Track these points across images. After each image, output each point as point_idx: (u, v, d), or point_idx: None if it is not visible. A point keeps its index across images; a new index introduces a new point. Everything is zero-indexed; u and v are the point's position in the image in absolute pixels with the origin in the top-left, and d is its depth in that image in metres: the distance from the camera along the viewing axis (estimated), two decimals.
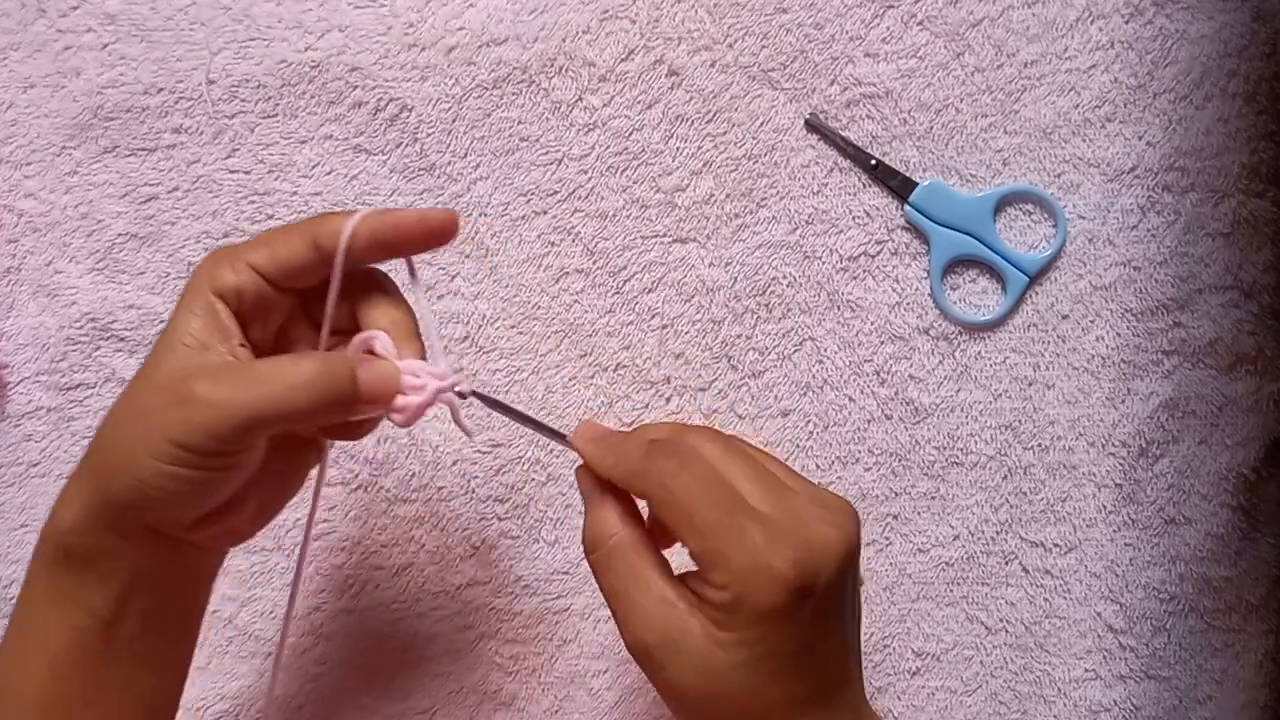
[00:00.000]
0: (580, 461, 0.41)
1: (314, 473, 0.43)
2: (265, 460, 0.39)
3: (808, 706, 0.37)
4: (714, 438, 0.39)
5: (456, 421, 0.41)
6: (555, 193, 0.57)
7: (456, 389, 0.41)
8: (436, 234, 0.40)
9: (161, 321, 0.57)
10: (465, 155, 0.57)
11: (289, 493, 0.43)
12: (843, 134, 0.57)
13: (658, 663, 0.37)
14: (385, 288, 0.42)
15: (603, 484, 0.40)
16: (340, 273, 0.39)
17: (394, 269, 0.42)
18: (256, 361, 0.39)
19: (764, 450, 0.41)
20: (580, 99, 0.57)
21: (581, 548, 0.40)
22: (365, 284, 0.41)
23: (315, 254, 0.39)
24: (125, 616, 0.38)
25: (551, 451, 0.56)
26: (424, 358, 0.41)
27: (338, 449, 0.56)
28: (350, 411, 0.38)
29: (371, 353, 0.40)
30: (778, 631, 0.36)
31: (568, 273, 0.57)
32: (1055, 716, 0.56)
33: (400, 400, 0.39)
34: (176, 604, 0.41)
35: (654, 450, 0.38)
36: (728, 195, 0.57)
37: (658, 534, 0.40)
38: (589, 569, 0.40)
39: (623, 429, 0.44)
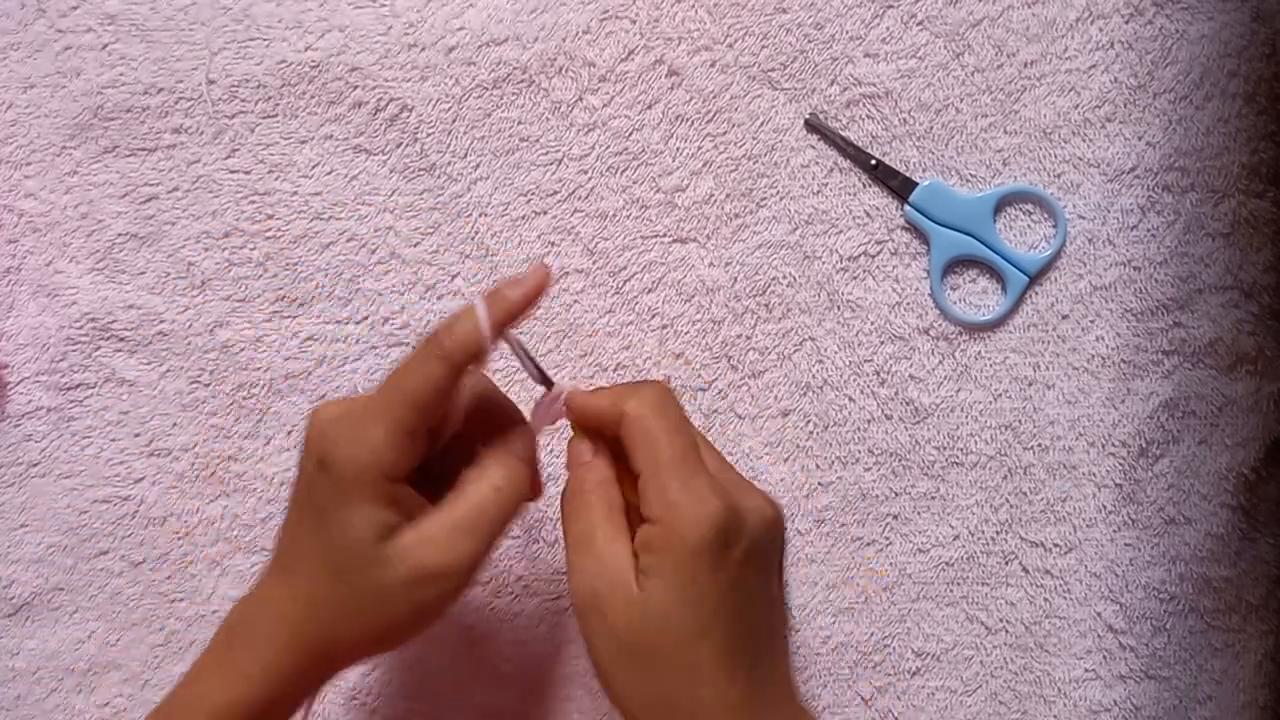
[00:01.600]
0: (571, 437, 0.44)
1: None
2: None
3: (734, 668, 0.39)
4: (656, 398, 0.42)
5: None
6: (555, 193, 0.57)
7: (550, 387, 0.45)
8: (539, 294, 0.42)
9: (163, 321, 0.57)
10: (465, 155, 0.57)
11: None
12: (843, 134, 0.57)
13: (599, 610, 0.39)
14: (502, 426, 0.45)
15: (595, 451, 0.43)
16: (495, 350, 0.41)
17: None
18: (457, 508, 0.41)
19: None
20: (580, 99, 0.57)
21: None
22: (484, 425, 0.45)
23: (454, 373, 0.40)
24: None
25: (551, 451, 0.56)
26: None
27: None
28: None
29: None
30: (703, 576, 0.38)
31: (568, 273, 0.57)
32: (1055, 716, 0.56)
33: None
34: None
35: (637, 384, 0.43)
36: (728, 195, 0.57)
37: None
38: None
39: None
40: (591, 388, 0.45)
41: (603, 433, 0.43)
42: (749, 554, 0.40)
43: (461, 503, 0.41)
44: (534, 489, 0.45)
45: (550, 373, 0.45)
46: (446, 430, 0.44)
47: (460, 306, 0.41)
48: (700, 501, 0.39)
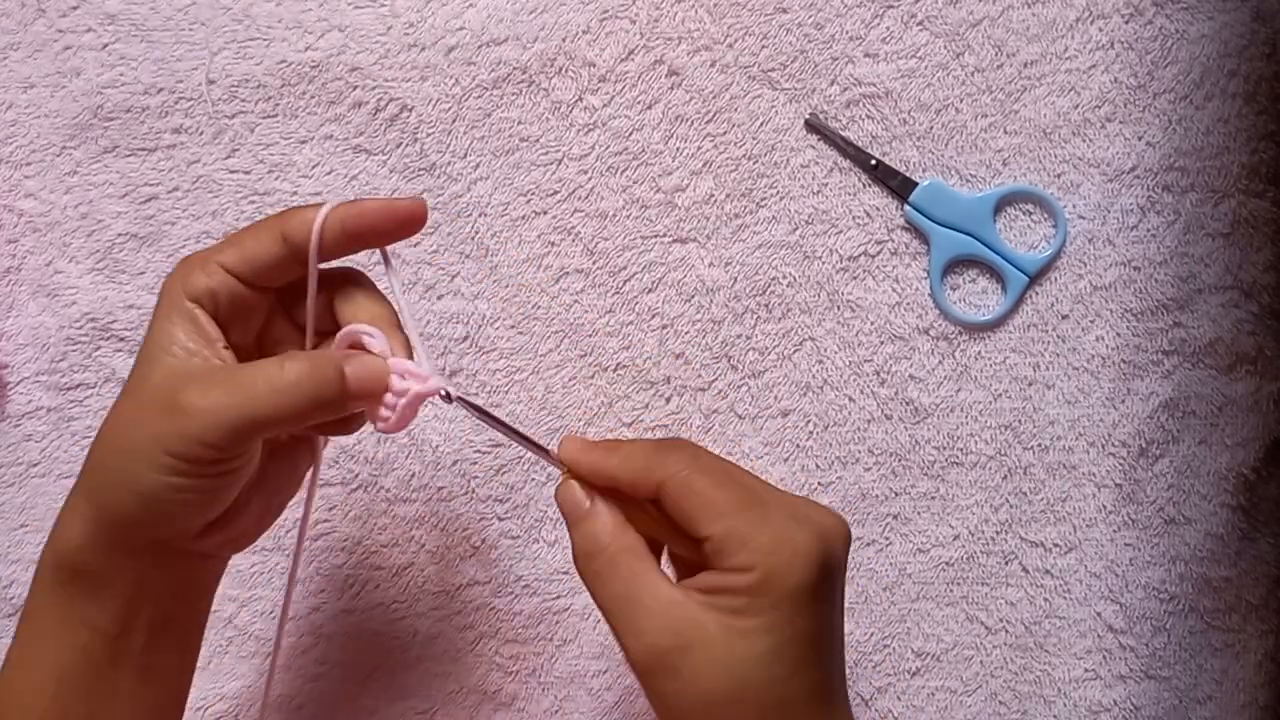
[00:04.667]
0: (559, 481, 0.40)
1: (310, 472, 0.43)
2: (263, 463, 0.39)
3: (824, 699, 0.37)
4: (692, 458, 0.39)
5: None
6: (555, 193, 0.57)
7: (442, 391, 0.39)
8: (405, 222, 0.40)
9: None
10: (465, 155, 0.57)
11: (290, 492, 0.43)
12: (843, 134, 0.57)
13: (673, 668, 0.35)
14: (362, 283, 0.41)
15: (591, 495, 0.39)
16: (315, 266, 0.39)
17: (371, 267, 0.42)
18: (242, 366, 0.38)
19: None
20: (580, 99, 0.57)
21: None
22: (343, 281, 0.41)
23: (285, 249, 0.39)
24: (131, 631, 0.38)
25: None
26: (410, 354, 0.40)
27: (339, 449, 0.56)
28: (340, 409, 0.38)
29: (358, 347, 0.40)
30: (804, 612, 0.35)
31: (568, 273, 0.57)
32: (1055, 716, 0.56)
33: (383, 410, 0.39)
34: (182, 615, 0.41)
35: (664, 446, 0.38)
36: (728, 195, 0.57)
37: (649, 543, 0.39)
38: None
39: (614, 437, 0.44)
40: (585, 445, 0.40)
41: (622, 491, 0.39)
42: (838, 580, 0.37)
43: (249, 368, 0.37)
44: (340, 424, 0.41)
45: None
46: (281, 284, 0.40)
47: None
48: (795, 538, 0.36)
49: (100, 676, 0.38)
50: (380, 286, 0.42)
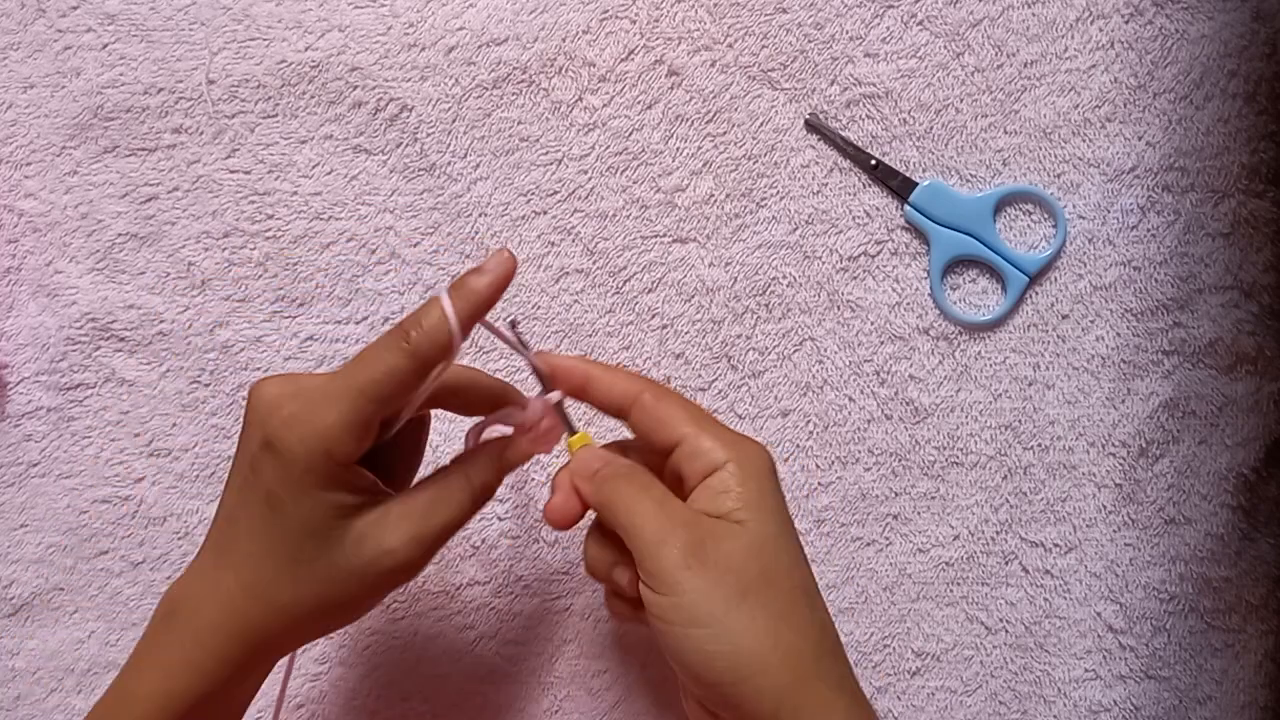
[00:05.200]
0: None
1: None
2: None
3: (817, 592, 0.41)
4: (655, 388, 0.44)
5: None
6: (555, 193, 0.57)
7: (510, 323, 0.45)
8: (507, 282, 0.40)
9: (163, 321, 0.57)
10: (465, 155, 0.57)
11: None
12: (843, 134, 0.57)
13: (707, 559, 0.38)
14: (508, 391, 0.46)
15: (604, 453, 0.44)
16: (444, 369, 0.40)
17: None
18: (415, 503, 0.41)
19: None
20: (580, 99, 0.57)
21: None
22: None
23: (417, 367, 0.39)
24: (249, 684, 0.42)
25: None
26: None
27: None
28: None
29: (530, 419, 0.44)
30: (780, 499, 0.41)
31: (568, 273, 0.57)
32: (1055, 716, 0.56)
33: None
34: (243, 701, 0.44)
35: (648, 386, 0.43)
36: (728, 195, 0.57)
37: None
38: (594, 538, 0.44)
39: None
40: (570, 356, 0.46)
41: (598, 405, 0.44)
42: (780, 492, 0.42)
43: (432, 492, 0.41)
44: (539, 442, 0.45)
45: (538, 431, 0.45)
46: (402, 418, 0.42)
47: (427, 299, 0.40)
48: (747, 439, 0.41)
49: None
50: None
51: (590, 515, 0.44)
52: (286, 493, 0.38)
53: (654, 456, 0.43)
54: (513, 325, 0.45)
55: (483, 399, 0.46)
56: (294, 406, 0.38)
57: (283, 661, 0.44)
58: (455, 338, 0.38)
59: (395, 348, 0.38)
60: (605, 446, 0.45)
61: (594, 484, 0.42)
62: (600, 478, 0.42)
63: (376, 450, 0.41)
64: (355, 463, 0.39)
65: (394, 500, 0.40)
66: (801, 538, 0.56)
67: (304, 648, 0.56)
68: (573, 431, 0.45)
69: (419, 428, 0.46)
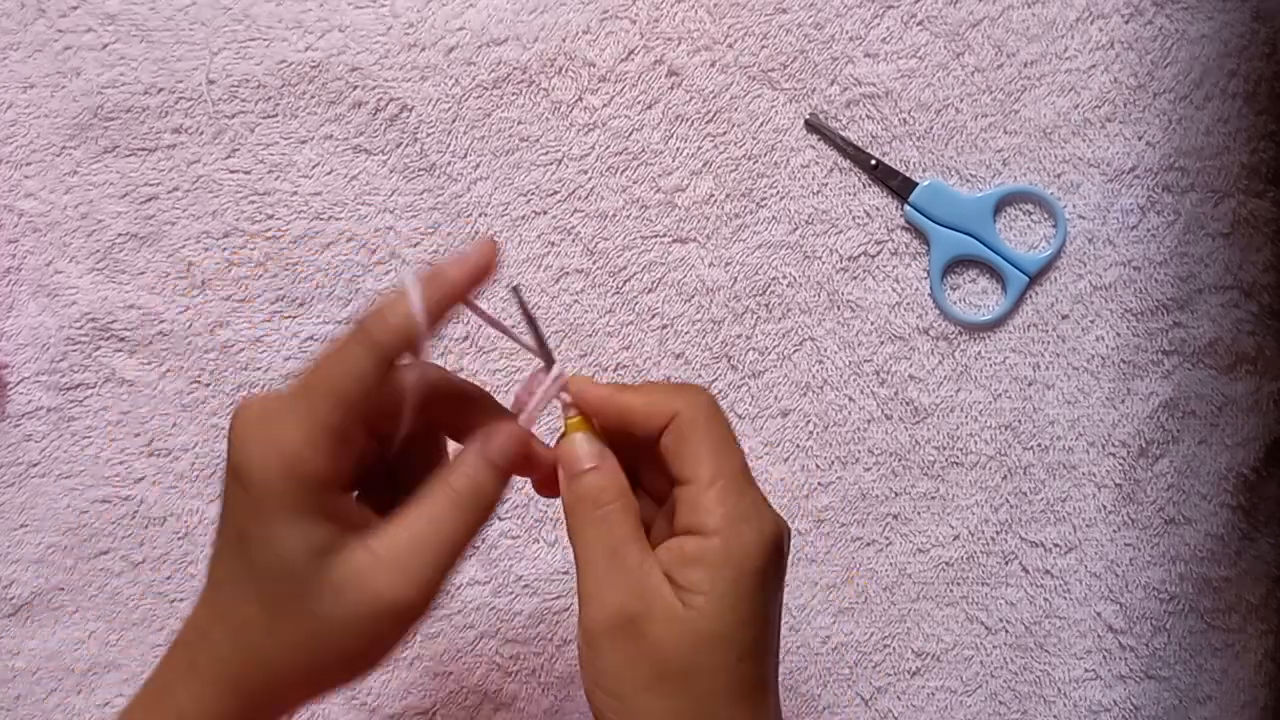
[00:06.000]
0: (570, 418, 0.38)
1: None
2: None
3: (762, 690, 0.36)
4: (707, 403, 0.38)
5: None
6: (555, 193, 0.57)
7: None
8: (486, 272, 0.36)
9: (163, 321, 0.57)
10: (465, 155, 0.57)
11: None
12: (843, 134, 0.57)
13: (636, 632, 0.34)
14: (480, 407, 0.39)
15: (604, 449, 0.38)
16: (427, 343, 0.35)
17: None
18: (401, 515, 0.35)
19: None
20: (580, 99, 0.57)
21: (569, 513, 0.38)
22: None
23: (380, 362, 0.34)
24: None
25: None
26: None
27: None
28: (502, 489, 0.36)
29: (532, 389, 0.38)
30: (757, 591, 0.35)
31: (568, 273, 0.57)
32: (1055, 716, 0.56)
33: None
34: None
35: (691, 387, 0.37)
36: (728, 195, 0.57)
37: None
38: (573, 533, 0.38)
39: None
40: (596, 381, 0.39)
41: (619, 431, 0.38)
42: (782, 574, 0.37)
43: (416, 515, 0.35)
44: (542, 485, 0.39)
45: (538, 430, 0.38)
46: (397, 431, 0.36)
47: (392, 288, 0.36)
48: (761, 517, 0.35)
49: None
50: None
51: None
52: (255, 526, 0.33)
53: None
54: (515, 291, 0.40)
55: (469, 401, 0.39)
56: (256, 425, 0.34)
57: None
58: (419, 329, 0.34)
59: (354, 343, 0.34)
60: (606, 388, 0.38)
61: (568, 491, 0.37)
62: (574, 493, 0.37)
63: (389, 481, 0.37)
64: (342, 487, 0.35)
65: (378, 532, 0.34)
66: (802, 538, 0.56)
67: None
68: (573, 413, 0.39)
69: (432, 448, 0.40)
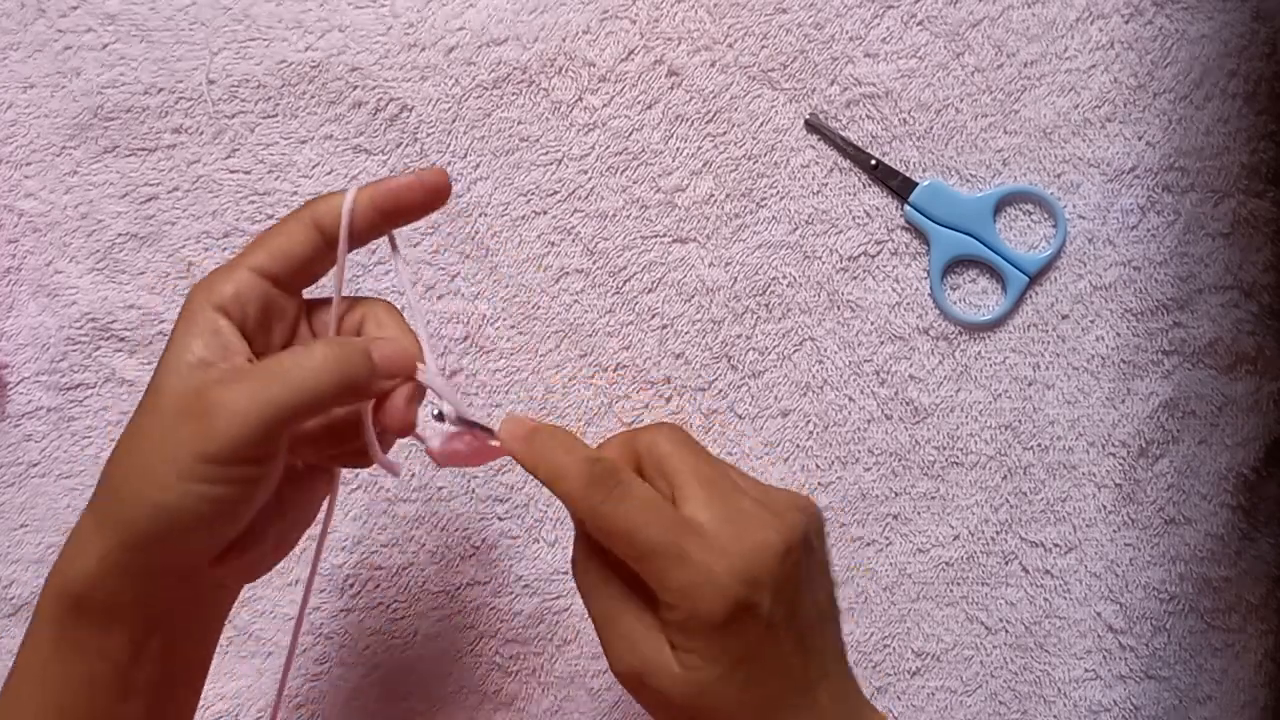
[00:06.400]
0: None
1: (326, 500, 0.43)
2: (281, 490, 0.39)
3: (787, 704, 0.37)
4: (669, 434, 0.39)
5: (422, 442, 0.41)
6: (555, 193, 0.57)
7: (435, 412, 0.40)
8: (433, 193, 0.40)
9: (163, 321, 0.57)
10: (465, 155, 0.57)
11: (306, 521, 0.42)
12: (843, 134, 0.57)
13: (644, 686, 0.37)
14: (395, 314, 0.41)
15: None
16: (345, 249, 0.39)
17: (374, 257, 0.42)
18: (267, 360, 0.37)
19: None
20: (580, 99, 0.57)
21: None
22: (375, 307, 0.41)
23: (317, 237, 0.39)
24: (142, 660, 0.38)
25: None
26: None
27: None
28: (369, 390, 0.38)
29: None
30: (737, 639, 0.36)
31: (568, 273, 0.57)
32: (1055, 716, 0.56)
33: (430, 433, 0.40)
34: (192, 647, 0.41)
35: (591, 479, 0.37)
36: (728, 195, 0.57)
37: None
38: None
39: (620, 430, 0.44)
40: (525, 431, 0.39)
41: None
42: (775, 599, 0.36)
43: (273, 360, 0.37)
44: (357, 455, 0.40)
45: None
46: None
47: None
48: (704, 585, 0.35)
49: (108, 705, 0.37)
50: (383, 280, 0.42)
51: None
52: (168, 347, 0.37)
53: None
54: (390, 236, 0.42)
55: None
56: (202, 279, 0.39)
57: (281, 661, 0.43)
58: (344, 212, 0.39)
59: (292, 216, 0.40)
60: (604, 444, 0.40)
61: (579, 555, 0.39)
62: (581, 555, 0.39)
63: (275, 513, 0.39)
64: (239, 318, 0.38)
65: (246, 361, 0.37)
66: None
67: (302, 647, 0.56)
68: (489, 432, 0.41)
69: (318, 480, 0.42)
